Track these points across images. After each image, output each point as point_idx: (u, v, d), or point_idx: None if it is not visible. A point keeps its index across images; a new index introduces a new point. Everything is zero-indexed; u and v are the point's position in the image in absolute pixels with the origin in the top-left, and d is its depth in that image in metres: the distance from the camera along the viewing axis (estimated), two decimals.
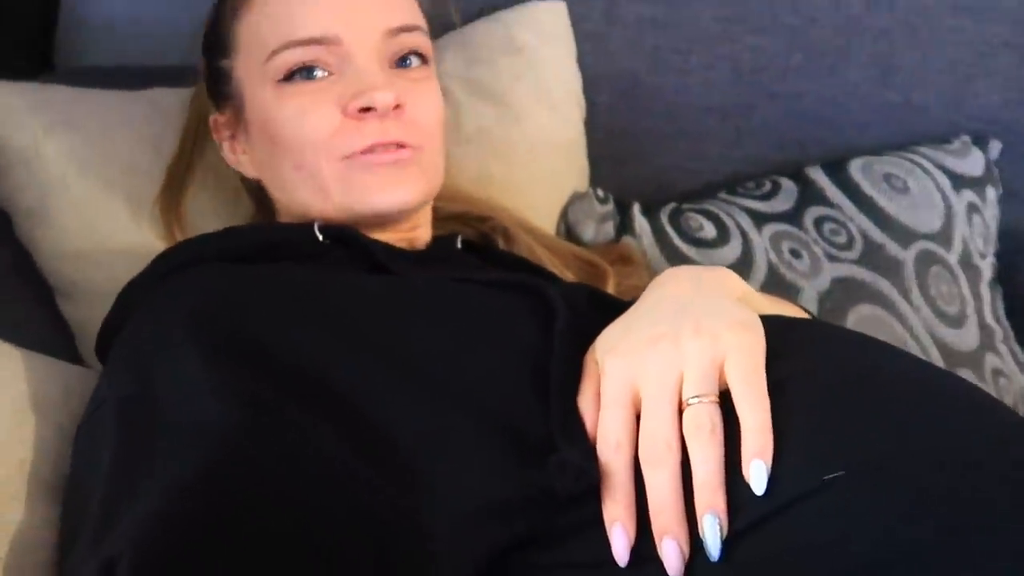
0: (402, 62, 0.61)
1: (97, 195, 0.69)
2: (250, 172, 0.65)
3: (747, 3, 0.88)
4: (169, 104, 0.74)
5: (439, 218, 0.68)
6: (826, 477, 0.36)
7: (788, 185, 0.89)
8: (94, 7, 1.01)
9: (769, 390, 0.40)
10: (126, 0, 1.00)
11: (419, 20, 0.63)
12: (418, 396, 0.45)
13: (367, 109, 0.57)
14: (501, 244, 0.69)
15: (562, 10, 0.86)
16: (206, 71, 0.66)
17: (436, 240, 0.66)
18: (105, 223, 0.69)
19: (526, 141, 0.81)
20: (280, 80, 0.58)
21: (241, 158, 0.65)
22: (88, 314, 0.68)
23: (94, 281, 0.68)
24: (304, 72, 0.58)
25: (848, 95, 0.90)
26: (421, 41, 0.62)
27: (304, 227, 0.58)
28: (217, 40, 0.64)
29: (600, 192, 0.85)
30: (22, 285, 0.71)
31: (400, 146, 0.58)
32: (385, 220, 0.60)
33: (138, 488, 0.41)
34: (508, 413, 0.45)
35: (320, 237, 0.57)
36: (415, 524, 0.41)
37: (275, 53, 0.58)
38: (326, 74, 0.58)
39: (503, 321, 0.51)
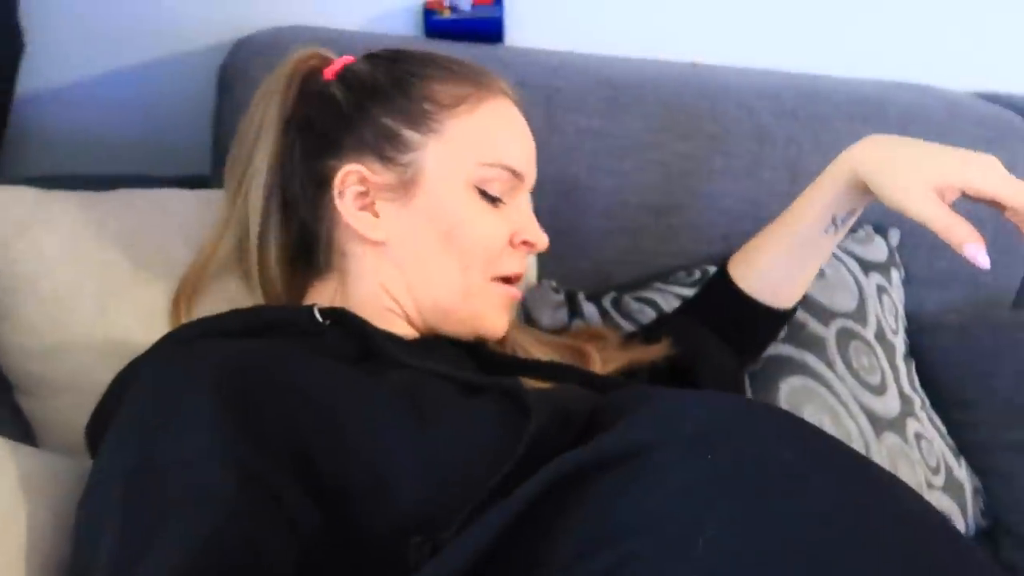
0: None
1: (65, 292, 0.69)
2: (373, 234, 0.65)
3: (673, 115, 0.99)
4: (138, 203, 0.76)
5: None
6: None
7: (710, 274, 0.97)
8: (35, 121, 1.05)
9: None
10: (65, 114, 1.05)
11: None
12: (375, 480, 0.49)
13: (528, 244, 0.67)
14: (491, 344, 0.71)
15: None
16: (373, 124, 0.65)
17: (424, 338, 0.68)
18: (72, 319, 0.69)
19: None
20: (474, 187, 0.64)
21: (366, 217, 0.65)
22: (52, 409, 0.69)
23: (59, 376, 0.69)
24: (492, 194, 0.65)
25: (763, 193, 1.00)
26: None
27: (305, 310, 0.62)
28: (414, 111, 0.65)
29: (553, 283, 0.91)
30: None
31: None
32: (480, 339, 0.68)
33: (150, 548, 0.43)
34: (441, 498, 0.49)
35: (320, 319, 0.61)
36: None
37: (486, 165, 0.64)
38: (502, 202, 0.66)
39: (471, 420, 0.54)
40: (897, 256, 1.03)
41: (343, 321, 0.62)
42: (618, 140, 0.98)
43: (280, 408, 0.50)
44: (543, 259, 0.95)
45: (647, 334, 0.78)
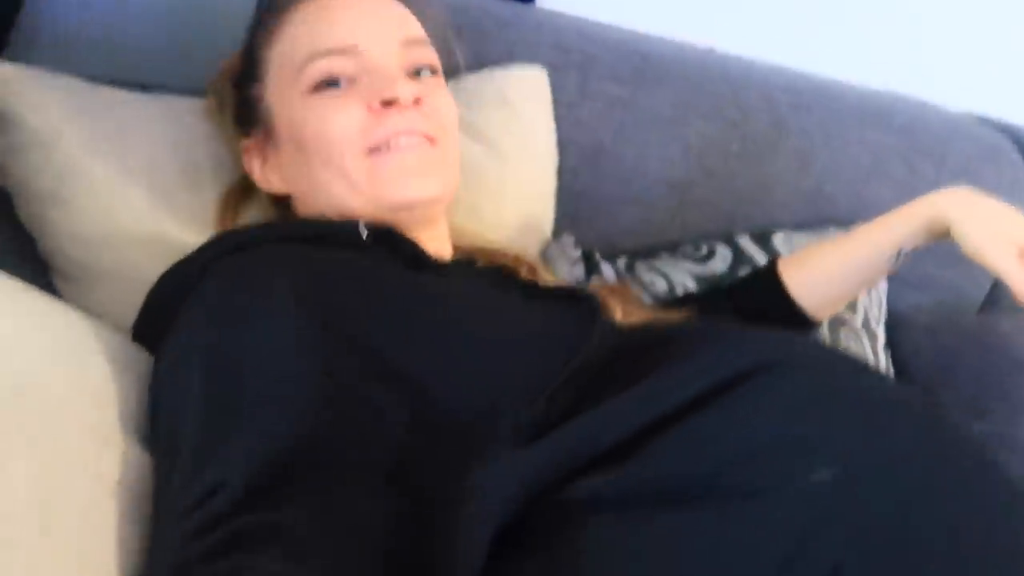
0: (416, 74, 0.67)
1: (117, 182, 0.70)
2: (280, 188, 0.69)
3: (698, 95, 1.03)
4: (182, 108, 0.77)
5: (465, 252, 0.74)
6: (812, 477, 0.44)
7: (722, 250, 1.03)
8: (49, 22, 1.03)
9: None
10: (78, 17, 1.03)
11: (427, 37, 0.69)
12: (466, 374, 0.52)
13: (390, 102, 0.62)
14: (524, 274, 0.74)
15: (544, 77, 0.97)
16: (236, 101, 0.71)
17: (457, 260, 0.71)
18: (123, 210, 0.70)
19: (513, 183, 0.90)
20: (310, 91, 0.63)
21: (271, 177, 0.69)
22: (90, 296, 0.70)
23: (103, 264, 0.70)
24: (331, 83, 0.63)
25: (773, 180, 1.06)
26: (432, 55, 0.69)
27: (350, 223, 0.62)
28: (250, 68, 0.69)
29: (572, 239, 0.95)
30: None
31: (423, 136, 0.63)
32: (411, 212, 0.64)
33: (235, 434, 0.45)
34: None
35: (364, 234, 0.62)
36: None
37: (304, 66, 0.63)
38: (348, 83, 0.63)
39: (540, 315, 0.58)
40: None
41: (388, 237, 0.62)
42: (645, 113, 1.01)
43: (353, 306, 0.53)
44: (558, 219, 0.99)
45: (673, 304, 0.82)
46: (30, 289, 0.55)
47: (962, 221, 0.68)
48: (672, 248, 1.04)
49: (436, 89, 0.68)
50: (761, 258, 1.01)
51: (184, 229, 0.70)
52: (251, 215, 0.74)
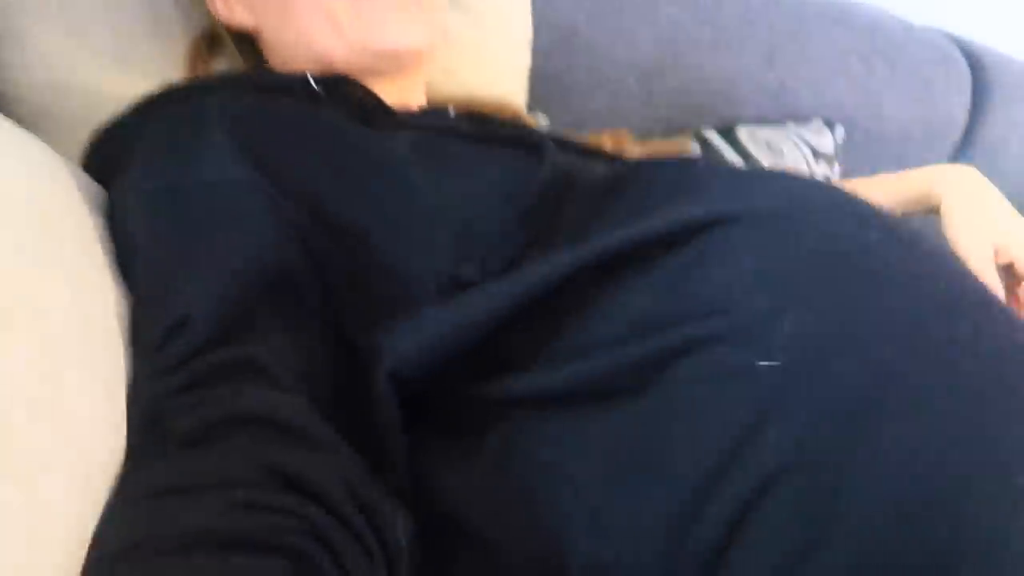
0: None
1: (83, 27, 0.65)
2: (245, 20, 0.64)
3: None
4: None
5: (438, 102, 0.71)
6: (760, 363, 0.38)
7: (692, 144, 1.04)
8: None
9: None
10: None
11: None
12: (405, 232, 0.50)
13: None
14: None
15: None
16: None
17: (429, 107, 0.68)
18: (88, 55, 0.65)
19: (490, 53, 0.87)
20: None
21: (236, 7, 0.64)
22: (54, 146, 0.64)
23: (66, 113, 0.64)
24: None
25: (739, 73, 1.06)
26: None
27: (299, 75, 0.59)
28: None
29: (546, 118, 0.93)
30: None
31: None
32: (395, 59, 0.61)
33: (192, 264, 0.44)
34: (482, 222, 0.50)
35: (314, 85, 0.58)
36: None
37: None
38: None
39: (487, 163, 0.55)
40: (840, 152, 1.13)
41: (339, 88, 0.59)
42: None
43: (295, 154, 0.51)
44: (529, 101, 0.97)
45: None
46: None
47: (952, 207, 0.68)
48: (642, 139, 1.04)
49: None
50: (728, 151, 1.03)
51: (150, 78, 0.65)
52: (220, 67, 0.70)
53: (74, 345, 0.38)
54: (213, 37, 0.68)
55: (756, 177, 0.51)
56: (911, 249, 0.43)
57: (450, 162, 0.54)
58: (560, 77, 1.01)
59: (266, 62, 0.66)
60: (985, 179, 0.71)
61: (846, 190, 0.48)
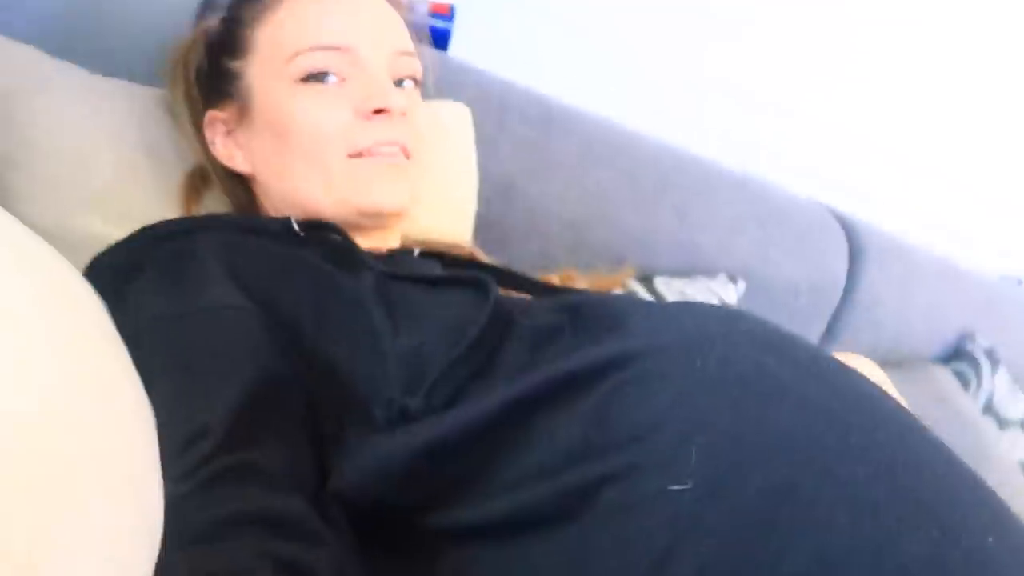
0: (399, 83, 0.69)
1: (86, 152, 0.68)
2: (241, 166, 0.70)
3: (597, 146, 1.15)
4: (142, 94, 0.76)
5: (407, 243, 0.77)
6: (672, 487, 0.42)
7: (614, 291, 1.13)
8: None
9: None
10: None
11: (414, 49, 0.72)
12: (366, 367, 0.55)
13: (380, 111, 0.64)
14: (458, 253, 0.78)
15: (468, 112, 1.04)
16: (209, 71, 0.71)
17: (397, 249, 0.73)
18: (90, 179, 0.68)
19: (440, 198, 0.95)
20: (298, 80, 0.64)
21: (235, 153, 0.70)
22: None
23: (69, 236, 0.65)
24: (320, 76, 0.64)
25: (655, 229, 1.19)
26: (418, 67, 0.71)
27: (283, 219, 0.65)
28: (229, 43, 0.69)
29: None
30: None
31: (402, 148, 0.66)
32: (378, 217, 0.67)
33: (205, 384, 0.49)
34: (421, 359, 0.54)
35: (296, 228, 0.64)
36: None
37: (297, 55, 0.64)
38: (338, 80, 0.64)
39: (438, 307, 0.60)
40: (742, 302, 1.26)
41: (319, 232, 0.64)
42: (551, 156, 1.12)
43: (278, 288, 0.57)
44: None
45: None
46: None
47: None
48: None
49: (417, 102, 0.71)
50: (648, 298, 1.13)
51: (152, 203, 0.69)
52: (210, 200, 0.74)
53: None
54: (203, 174, 0.73)
55: (667, 314, 0.55)
56: (807, 369, 0.47)
57: (406, 306, 0.58)
58: (499, 224, 1.10)
59: (254, 201, 0.72)
60: (883, 372, 0.77)
61: (748, 317, 0.54)
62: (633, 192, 1.17)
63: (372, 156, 0.65)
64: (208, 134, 0.71)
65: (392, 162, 0.65)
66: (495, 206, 1.09)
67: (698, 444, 0.42)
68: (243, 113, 0.68)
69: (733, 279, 1.25)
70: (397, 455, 0.48)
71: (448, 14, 1.23)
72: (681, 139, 1.33)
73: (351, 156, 0.64)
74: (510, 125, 1.09)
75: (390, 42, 0.68)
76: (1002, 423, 1.47)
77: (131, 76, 0.81)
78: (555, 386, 0.48)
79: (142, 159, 0.71)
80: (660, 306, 0.59)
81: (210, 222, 0.64)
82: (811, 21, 1.44)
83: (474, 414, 0.48)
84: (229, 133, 0.70)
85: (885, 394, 0.48)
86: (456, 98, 1.05)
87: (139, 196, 0.70)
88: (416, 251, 0.75)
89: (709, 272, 1.23)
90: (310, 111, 0.64)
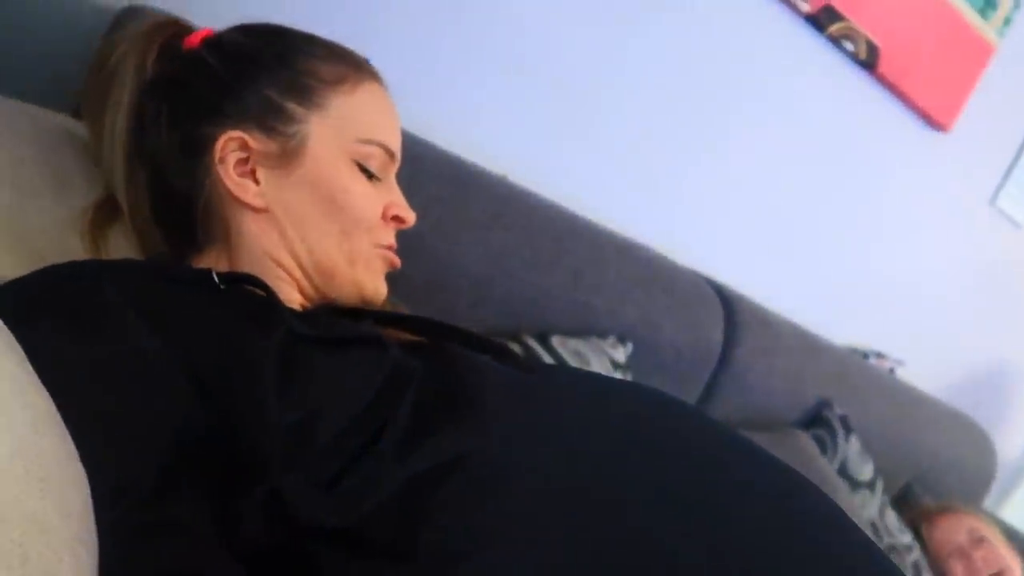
0: None
1: None
2: (252, 199, 0.67)
3: (501, 206, 1.19)
4: (47, 120, 0.74)
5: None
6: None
7: (514, 347, 1.16)
8: None
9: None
10: None
11: None
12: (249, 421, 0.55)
13: (398, 219, 0.73)
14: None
15: None
16: (256, 94, 0.68)
17: (313, 306, 0.74)
18: None
19: None
20: (352, 158, 0.69)
21: (246, 183, 0.67)
22: None
23: None
24: (371, 170, 0.70)
25: (551, 289, 1.24)
26: None
27: (204, 271, 0.64)
28: (298, 84, 0.68)
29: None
30: None
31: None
32: (368, 303, 0.73)
33: (121, 439, 0.49)
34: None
35: (217, 281, 0.63)
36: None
37: (365, 142, 0.69)
38: (378, 179, 0.72)
39: (339, 371, 0.61)
40: (630, 363, 1.32)
41: (239, 285, 0.64)
42: (459, 214, 1.15)
43: (191, 337, 0.56)
44: None
45: None
46: None
47: None
48: None
49: None
50: (545, 355, 1.17)
51: (54, 232, 0.65)
52: (115, 233, 0.71)
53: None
54: (113, 204, 0.70)
55: (525, 393, 0.59)
56: (688, 421, 0.57)
57: (306, 371, 0.59)
58: (406, 278, 1.10)
59: (223, 235, 0.70)
60: None
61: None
62: (532, 253, 1.22)
63: (384, 251, 0.73)
64: (220, 151, 0.67)
65: (394, 261, 0.75)
66: (404, 260, 1.10)
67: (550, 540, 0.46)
68: (287, 156, 0.68)
69: (623, 340, 1.32)
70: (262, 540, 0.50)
71: None
72: (575, 200, 1.40)
73: (379, 247, 0.72)
74: (423, 182, 1.11)
75: (399, 160, 0.76)
76: (854, 485, 1.60)
77: (36, 99, 0.78)
78: (428, 472, 0.51)
79: (45, 185, 0.68)
80: (519, 381, 0.61)
81: (122, 266, 0.62)
82: (697, 102, 1.56)
83: (363, 503, 0.50)
84: (246, 161, 0.68)
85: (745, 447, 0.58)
86: None
87: (38, 223, 0.66)
88: (335, 306, 0.75)
89: (601, 333, 1.29)
90: (361, 196, 0.69)
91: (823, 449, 1.58)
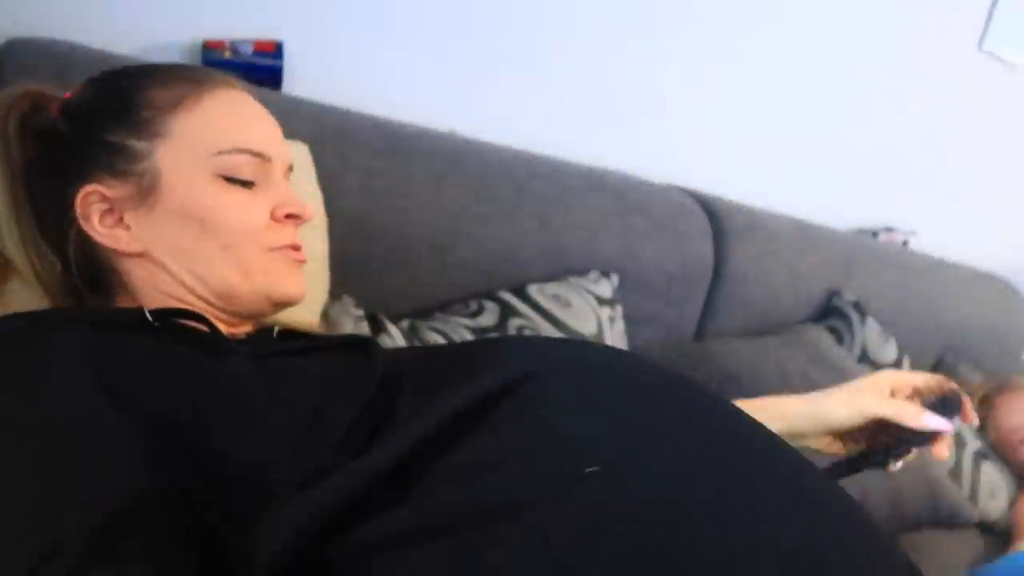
0: None
1: None
2: (128, 246, 0.66)
3: (447, 165, 1.13)
4: None
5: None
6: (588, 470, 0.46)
7: (490, 305, 1.12)
8: None
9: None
10: None
11: None
12: (251, 441, 0.54)
13: (292, 216, 0.69)
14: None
15: (305, 151, 1.01)
16: (99, 144, 0.66)
17: (257, 330, 0.73)
18: None
19: None
20: (218, 176, 0.65)
21: (117, 233, 0.66)
22: None
23: None
24: (242, 178, 0.66)
25: (520, 238, 1.18)
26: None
27: (136, 310, 0.62)
28: (128, 120, 0.66)
29: (352, 300, 0.97)
30: None
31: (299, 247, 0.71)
32: (284, 307, 0.70)
33: (56, 495, 0.46)
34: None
35: (150, 318, 0.62)
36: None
37: (223, 153, 0.66)
38: (255, 184, 0.68)
39: (325, 368, 0.61)
40: (618, 295, 1.27)
41: (174, 321, 0.63)
42: (402, 182, 1.09)
43: (144, 384, 0.54)
44: (333, 284, 1.02)
45: None
46: None
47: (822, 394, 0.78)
48: (443, 307, 1.11)
49: None
50: (524, 308, 1.12)
51: None
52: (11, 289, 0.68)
53: None
54: (3, 261, 0.67)
55: (546, 344, 0.61)
56: (675, 382, 0.56)
57: (287, 375, 0.59)
58: (359, 259, 1.07)
59: (116, 285, 0.68)
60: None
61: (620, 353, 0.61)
62: (491, 206, 1.16)
63: (283, 251, 0.69)
64: (81, 209, 0.66)
65: (298, 257, 0.71)
66: (352, 242, 1.06)
67: (607, 443, 0.47)
68: (144, 195, 0.66)
69: (605, 274, 1.27)
70: (325, 504, 0.47)
71: (276, 51, 1.20)
72: (535, 142, 1.34)
73: (272, 250, 0.68)
74: (354, 157, 1.06)
75: (287, 157, 0.73)
76: (877, 368, 1.54)
77: None
78: (463, 413, 0.51)
79: None
80: (541, 339, 0.66)
81: (59, 320, 0.60)
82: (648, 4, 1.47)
83: (391, 454, 0.49)
84: (111, 211, 0.66)
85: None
86: (293, 137, 1.02)
87: None
88: (275, 330, 0.74)
89: (580, 272, 1.24)
90: (233, 208, 0.66)
91: (839, 339, 1.52)
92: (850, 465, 0.72)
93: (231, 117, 0.68)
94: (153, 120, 0.66)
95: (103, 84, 0.70)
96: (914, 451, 0.72)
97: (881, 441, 0.72)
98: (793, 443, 0.76)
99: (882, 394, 0.75)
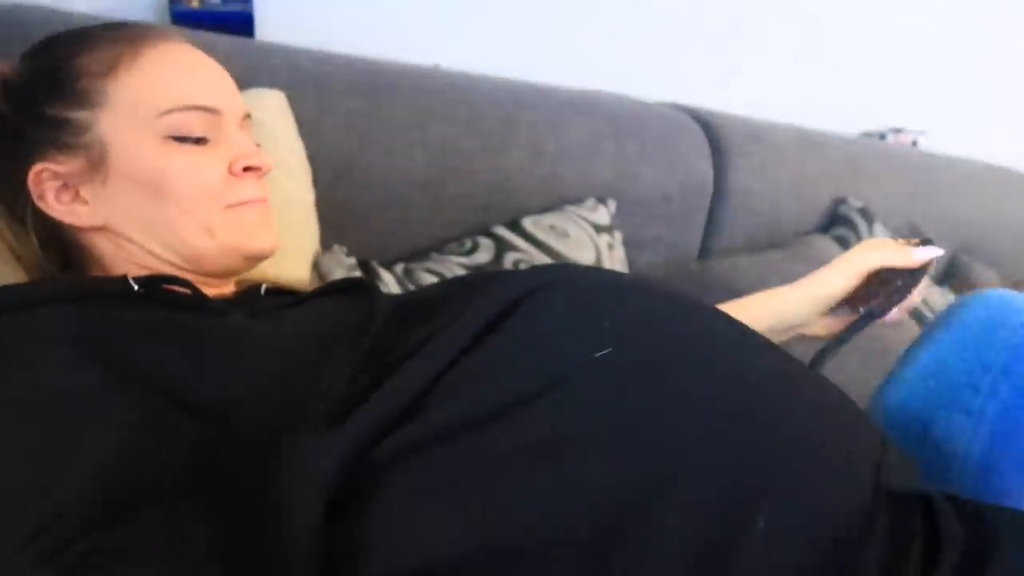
0: None
1: None
2: (88, 221, 0.65)
3: (431, 100, 1.10)
4: None
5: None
6: (597, 354, 0.50)
7: (484, 242, 1.10)
8: None
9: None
10: None
11: None
12: (260, 392, 0.53)
13: (250, 169, 0.67)
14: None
15: (282, 97, 0.98)
16: (26, 121, 0.65)
17: (243, 290, 0.72)
18: None
19: (275, 198, 0.89)
20: (167, 137, 0.63)
21: (76, 208, 0.65)
22: None
23: None
24: (193, 135, 0.64)
25: (512, 170, 1.16)
26: (252, 131, 0.73)
27: (119, 278, 0.61)
28: (65, 92, 0.64)
29: (343, 248, 0.96)
30: None
31: (264, 199, 0.70)
32: (258, 260, 0.69)
33: (55, 465, 0.46)
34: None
35: (134, 286, 0.61)
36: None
37: (168, 113, 0.63)
38: (207, 139, 0.65)
39: (324, 313, 0.61)
40: (616, 221, 1.24)
41: (158, 286, 0.62)
42: (385, 122, 1.06)
43: (140, 351, 0.53)
44: (324, 232, 1.00)
45: None
46: None
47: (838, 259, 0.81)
48: (438, 248, 1.09)
49: None
50: (520, 242, 1.10)
51: None
52: None
53: None
54: None
55: (527, 272, 0.62)
56: (667, 297, 0.59)
57: (290, 324, 0.59)
58: (349, 204, 1.05)
59: (85, 259, 0.67)
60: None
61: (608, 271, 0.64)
62: (479, 138, 1.13)
63: (245, 206, 0.68)
64: (34, 188, 0.64)
65: (263, 209, 0.70)
66: (339, 187, 1.04)
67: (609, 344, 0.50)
68: (93, 166, 0.64)
69: (602, 200, 1.24)
70: (351, 447, 0.48)
71: None
72: (522, 70, 1.29)
73: (231, 206, 0.67)
74: (334, 100, 1.03)
75: (240, 106, 0.70)
76: None
77: None
78: (483, 327, 0.54)
79: None
80: (541, 265, 0.65)
81: (49, 293, 0.58)
82: None
83: (419, 379, 0.51)
84: (66, 187, 0.65)
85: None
86: (269, 84, 0.99)
87: None
88: (263, 288, 0.73)
89: (576, 200, 1.21)
90: (185, 169, 0.64)
91: (846, 247, 1.49)
92: (854, 327, 0.75)
93: (172, 73, 0.66)
94: (90, 89, 0.64)
95: (36, 57, 0.67)
96: (908, 297, 0.75)
97: (876, 294, 0.75)
98: (791, 335, 0.83)
99: (869, 249, 0.79)
